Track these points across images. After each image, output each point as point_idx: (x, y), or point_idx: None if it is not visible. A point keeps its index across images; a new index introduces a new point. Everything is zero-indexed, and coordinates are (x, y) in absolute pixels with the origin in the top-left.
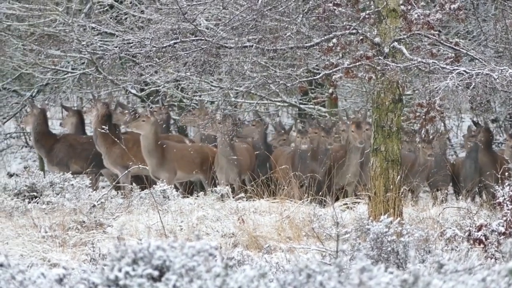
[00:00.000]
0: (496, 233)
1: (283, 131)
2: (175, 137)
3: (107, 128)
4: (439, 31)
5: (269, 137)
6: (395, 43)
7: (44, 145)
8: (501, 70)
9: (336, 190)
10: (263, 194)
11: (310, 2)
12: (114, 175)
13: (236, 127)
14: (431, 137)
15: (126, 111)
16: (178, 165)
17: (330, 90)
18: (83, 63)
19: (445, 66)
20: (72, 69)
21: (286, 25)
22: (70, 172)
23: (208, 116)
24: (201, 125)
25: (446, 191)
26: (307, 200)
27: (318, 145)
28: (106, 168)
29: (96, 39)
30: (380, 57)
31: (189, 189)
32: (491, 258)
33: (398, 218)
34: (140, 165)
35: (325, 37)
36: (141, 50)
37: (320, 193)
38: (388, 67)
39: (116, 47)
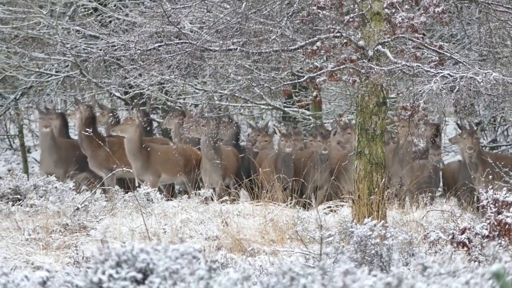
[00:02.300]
0: (479, 236)
1: (266, 133)
2: (159, 140)
3: (91, 131)
4: (423, 34)
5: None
6: (379, 46)
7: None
8: (485, 73)
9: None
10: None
11: (295, 5)
12: (90, 178)
13: (219, 129)
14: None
15: (106, 112)
16: (163, 168)
17: (314, 93)
18: (67, 65)
19: (429, 69)
20: (56, 71)
21: (271, 28)
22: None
23: (192, 119)
24: (185, 127)
25: (430, 194)
26: (291, 203)
27: (314, 151)
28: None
29: (80, 42)
30: (364, 60)
31: (172, 191)
32: (475, 261)
33: (382, 221)
34: (124, 168)
35: (309, 40)
36: (126, 53)
37: (304, 196)
38: (372, 70)
39: (100, 50)
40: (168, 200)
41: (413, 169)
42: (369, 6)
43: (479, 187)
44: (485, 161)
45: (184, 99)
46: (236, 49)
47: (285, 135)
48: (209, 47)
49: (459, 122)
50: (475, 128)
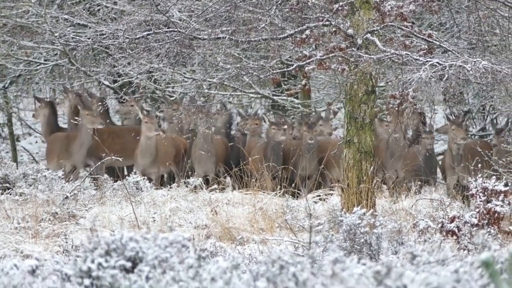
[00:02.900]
0: (468, 224)
1: (256, 117)
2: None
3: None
4: (413, 22)
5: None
6: (368, 35)
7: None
8: (474, 62)
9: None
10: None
11: None
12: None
13: (210, 118)
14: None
15: (95, 100)
16: (161, 161)
17: (303, 82)
18: (55, 54)
19: (418, 57)
20: (45, 60)
21: (260, 17)
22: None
23: (182, 108)
24: (177, 117)
25: (419, 182)
26: (280, 191)
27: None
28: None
29: (69, 31)
30: (353, 48)
31: (161, 180)
32: (464, 250)
33: (371, 210)
34: (113, 157)
35: (298, 29)
36: (114, 41)
37: (293, 184)
38: (361, 58)
39: (89, 38)
40: (157, 189)
41: (404, 158)
42: None
43: (466, 176)
44: (472, 150)
45: (173, 87)
46: (225, 37)
47: (276, 123)
48: (198, 36)
49: (447, 112)
50: (464, 117)
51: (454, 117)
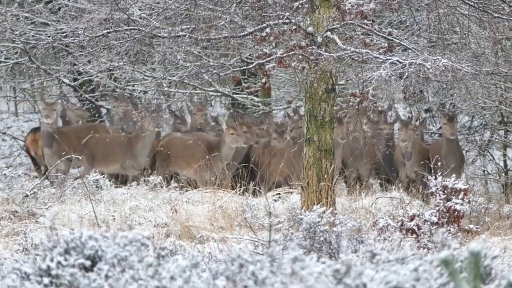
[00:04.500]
0: (428, 223)
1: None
2: (98, 126)
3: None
4: (373, 20)
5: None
6: (328, 33)
7: None
8: (434, 60)
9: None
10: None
11: None
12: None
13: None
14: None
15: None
16: None
17: (263, 80)
18: (16, 52)
19: (378, 56)
20: (5, 58)
21: (220, 15)
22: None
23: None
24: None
25: (379, 180)
26: (240, 190)
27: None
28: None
29: (29, 29)
30: (313, 46)
31: (121, 178)
32: (424, 248)
33: (331, 208)
34: (73, 155)
35: (259, 27)
36: (74, 39)
37: (254, 183)
38: (321, 56)
39: (49, 36)
40: (117, 187)
41: (365, 156)
42: None
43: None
44: (420, 149)
45: (133, 85)
46: (185, 35)
47: (233, 127)
48: (158, 34)
49: (408, 109)
50: (418, 118)
51: (409, 117)
